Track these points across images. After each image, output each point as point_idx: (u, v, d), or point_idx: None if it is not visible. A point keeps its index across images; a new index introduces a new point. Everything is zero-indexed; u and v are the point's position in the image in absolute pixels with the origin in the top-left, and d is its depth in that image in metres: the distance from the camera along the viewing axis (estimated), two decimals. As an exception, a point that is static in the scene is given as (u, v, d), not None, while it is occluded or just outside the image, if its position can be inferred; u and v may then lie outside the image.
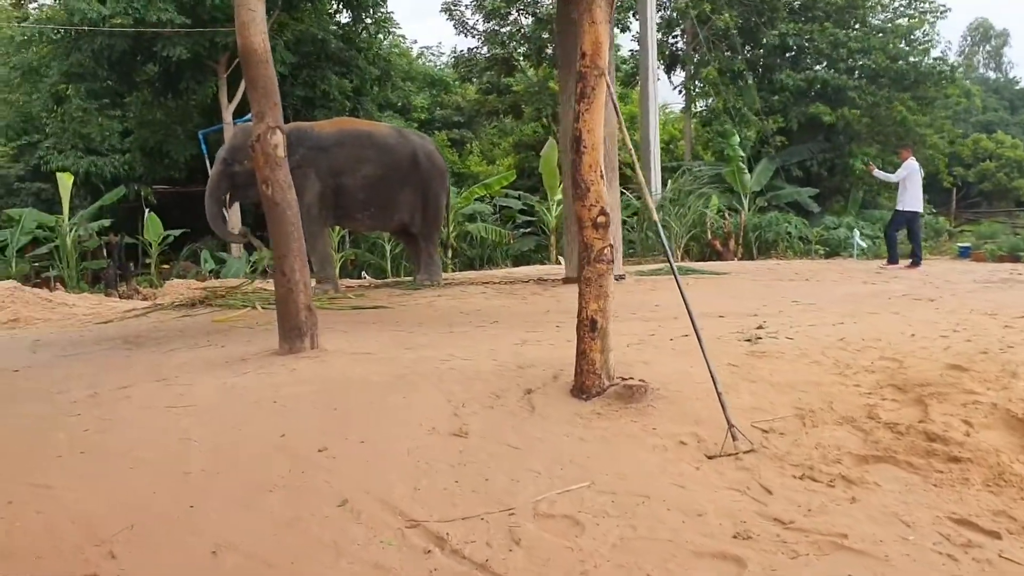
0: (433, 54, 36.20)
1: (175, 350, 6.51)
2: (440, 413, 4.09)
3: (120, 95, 23.51)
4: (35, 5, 24.72)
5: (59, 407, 4.72)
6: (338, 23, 24.71)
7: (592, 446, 3.64)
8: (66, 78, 22.51)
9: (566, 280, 10.36)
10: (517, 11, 26.42)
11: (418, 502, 3.20)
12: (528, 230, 22.34)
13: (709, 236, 18.87)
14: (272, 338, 6.01)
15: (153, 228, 21.14)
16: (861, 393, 4.11)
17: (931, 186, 18.27)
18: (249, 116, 12.30)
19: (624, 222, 15.74)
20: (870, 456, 3.45)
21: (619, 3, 21.53)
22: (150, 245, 21.35)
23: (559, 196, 18.96)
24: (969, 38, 52.97)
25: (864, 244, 17.93)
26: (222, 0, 19.93)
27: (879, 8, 26.61)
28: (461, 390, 4.40)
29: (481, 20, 27.09)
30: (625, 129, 4.79)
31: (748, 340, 5.20)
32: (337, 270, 13.27)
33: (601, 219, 4.18)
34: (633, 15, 21.82)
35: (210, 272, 20.17)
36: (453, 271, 17.61)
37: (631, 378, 4.26)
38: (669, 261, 4.39)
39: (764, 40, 25.15)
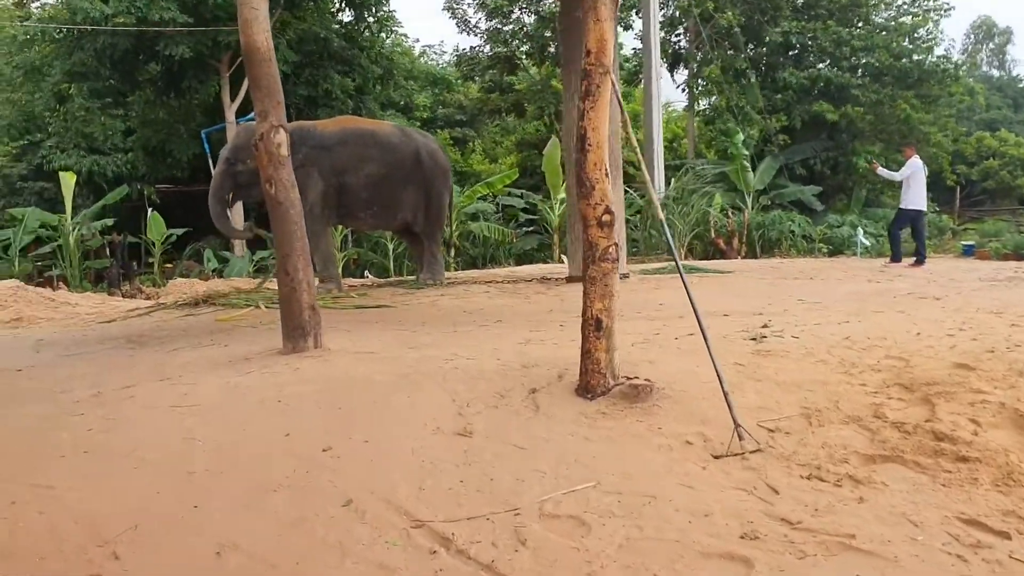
0: (435, 53, 36.22)
1: (178, 349, 6.50)
2: (444, 413, 4.08)
3: (123, 94, 23.52)
4: (38, 4, 24.77)
5: (62, 407, 4.71)
6: (340, 22, 24.70)
7: (597, 446, 3.62)
8: (69, 77, 22.53)
9: (569, 279, 10.34)
10: (519, 9, 26.41)
11: (423, 502, 3.18)
12: (531, 229, 22.33)
13: (713, 235, 18.84)
14: (275, 337, 6.00)
15: (156, 227, 21.14)
16: (867, 392, 4.09)
17: (934, 184, 18.25)
18: (251, 115, 12.28)
19: (627, 220, 15.73)
20: (877, 456, 3.42)
21: (622, 1, 21.49)
22: (153, 244, 21.35)
23: (562, 195, 18.93)
24: (972, 36, 52.89)
25: (867, 242, 17.89)
26: (224, -1, 19.95)
27: (882, 6, 26.55)
28: (465, 389, 4.38)
29: (483, 18, 27.11)
30: (630, 127, 4.76)
31: (753, 339, 5.18)
32: (340, 269, 13.24)
33: (606, 218, 4.16)
34: (636, 13, 21.81)
35: (213, 271, 20.18)
36: (456, 270, 17.60)
37: (636, 377, 4.24)
38: (675, 260, 4.37)
39: (767, 38, 25.11)
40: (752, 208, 20.39)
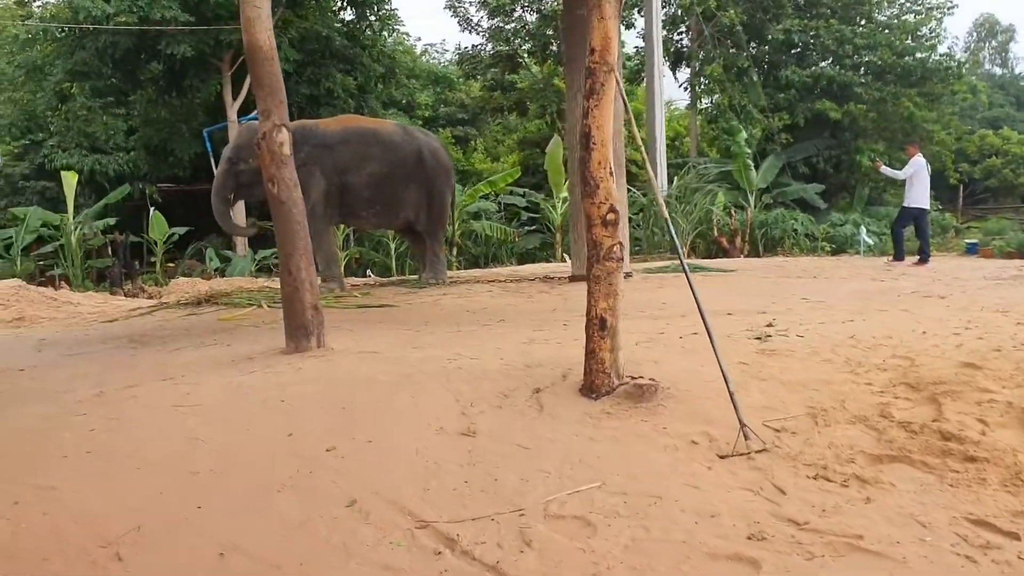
0: (437, 51, 36.22)
1: (181, 349, 6.49)
2: (448, 412, 4.06)
3: (124, 93, 23.53)
4: (39, 3, 24.74)
5: (65, 407, 4.70)
6: (342, 20, 24.70)
7: (602, 446, 3.60)
8: (70, 76, 22.54)
9: (572, 278, 10.32)
10: (521, 7, 26.39)
11: (427, 502, 3.16)
12: (533, 228, 22.30)
13: (715, 233, 18.80)
14: (278, 337, 5.98)
15: (158, 226, 21.15)
16: (873, 392, 4.06)
17: (937, 182, 18.19)
18: (253, 114, 12.24)
19: (630, 219, 15.70)
20: (884, 456, 3.40)
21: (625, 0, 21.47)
22: (155, 243, 21.36)
23: (564, 193, 18.91)
24: (975, 34, 52.79)
25: (871, 241, 17.86)
26: (226, -2, 19.96)
27: (885, 4, 26.50)
28: (469, 389, 4.36)
29: (485, 17, 27.12)
30: (635, 125, 4.74)
31: (758, 338, 5.16)
32: (342, 268, 13.23)
33: (610, 216, 4.14)
34: (638, 12, 21.78)
35: (215, 270, 20.18)
36: (458, 269, 17.58)
37: (641, 377, 4.22)
38: (680, 260, 4.35)
39: (769, 36, 25.07)
40: (755, 207, 20.36)
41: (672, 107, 32.17)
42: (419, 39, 52.84)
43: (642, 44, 23.28)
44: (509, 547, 2.82)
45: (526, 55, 27.64)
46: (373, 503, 3.18)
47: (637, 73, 25.22)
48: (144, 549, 2.97)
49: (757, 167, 21.51)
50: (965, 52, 46.88)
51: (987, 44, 53.02)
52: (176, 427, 4.13)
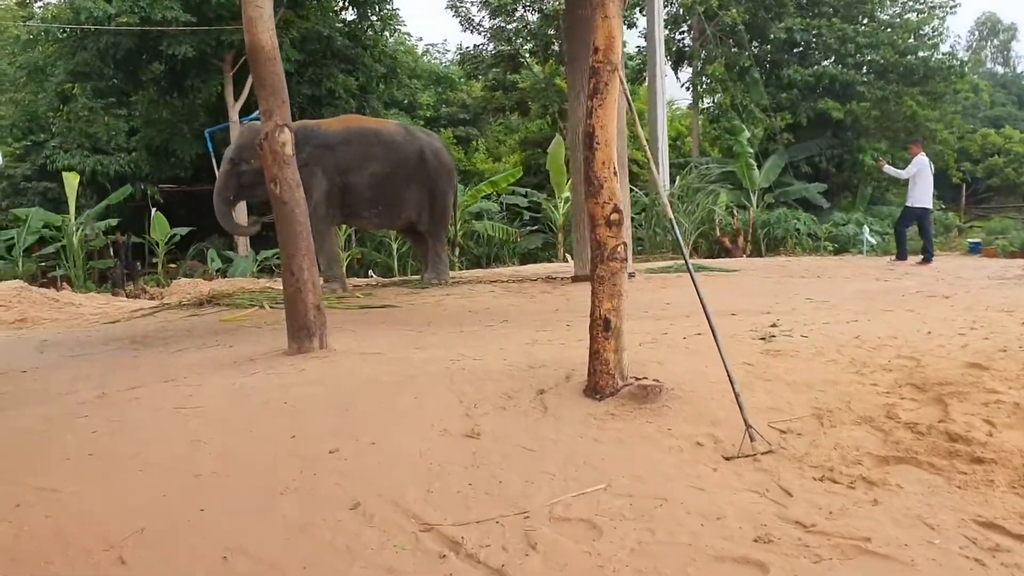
0: (439, 51, 36.22)
1: (183, 350, 6.47)
2: (452, 414, 4.04)
3: (126, 94, 23.54)
4: (41, 4, 24.73)
5: (67, 408, 4.68)
6: (344, 20, 24.70)
7: (607, 447, 3.58)
8: (72, 77, 22.55)
9: (575, 278, 10.30)
10: (523, 7, 26.37)
11: (431, 505, 3.14)
12: (535, 228, 22.28)
13: (718, 233, 18.77)
14: (280, 337, 5.97)
15: (159, 227, 21.15)
16: (879, 392, 4.04)
17: (940, 182, 18.14)
18: (255, 114, 12.22)
19: (632, 219, 15.67)
20: (891, 457, 3.38)
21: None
22: (157, 244, 21.36)
23: (567, 193, 18.90)
24: (977, 32, 52.74)
25: (874, 240, 17.82)
26: (227, -2, 19.96)
27: (887, 3, 26.46)
28: (472, 390, 4.34)
29: (487, 16, 27.09)
30: (640, 125, 4.72)
31: (762, 338, 5.14)
32: (344, 269, 13.21)
33: (614, 216, 4.11)
34: (640, 11, 21.76)
35: (217, 271, 20.17)
36: (460, 269, 17.57)
37: (645, 378, 4.20)
38: (686, 261, 4.33)
39: (771, 35, 25.03)
40: (757, 206, 20.33)
41: (673, 107, 32.16)
42: (420, 39, 52.62)
43: (644, 44, 23.24)
44: (514, 550, 2.79)
45: (528, 55, 27.62)
46: (377, 505, 3.16)
47: (639, 73, 25.19)
48: (147, 552, 2.95)
49: (759, 167, 21.48)
50: (967, 51, 46.85)
51: (989, 43, 52.97)
52: (178, 429, 4.11)
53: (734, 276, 10.48)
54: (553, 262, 18.41)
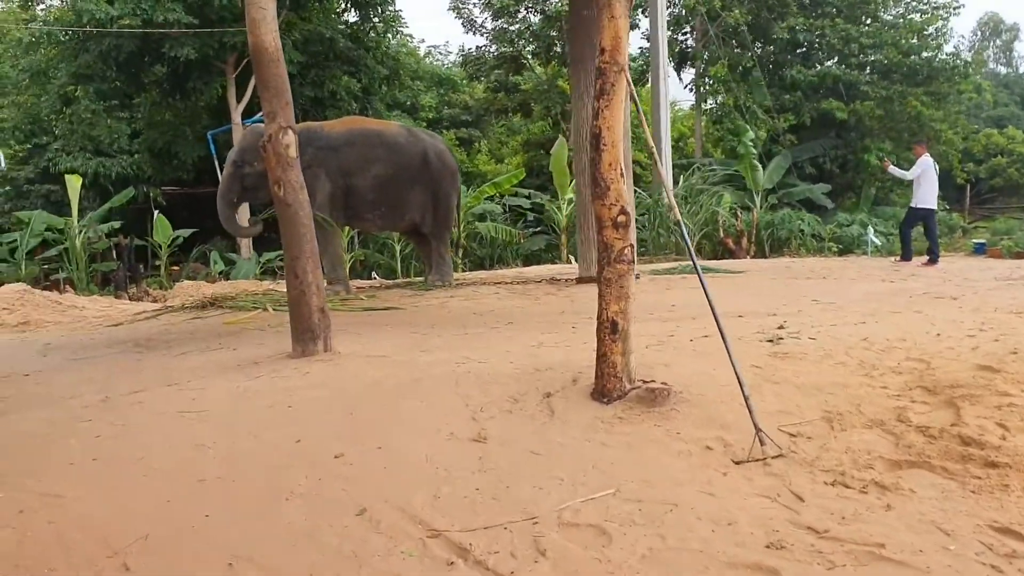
0: (441, 53, 36.23)
1: (186, 353, 6.45)
2: (458, 418, 4.01)
3: (128, 96, 23.54)
4: (43, 7, 24.74)
5: (70, 412, 4.66)
6: (346, 22, 24.68)
7: (615, 452, 3.54)
8: (74, 79, 22.54)
9: (579, 280, 10.28)
10: (525, 9, 26.34)
11: (439, 511, 3.11)
12: (538, 229, 22.24)
13: (721, 234, 18.73)
14: (284, 340, 5.94)
15: (162, 229, 21.14)
16: (889, 395, 4.00)
17: (944, 182, 18.10)
18: (258, 116, 12.14)
19: (635, 220, 15.61)
20: (903, 461, 3.34)
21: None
22: (159, 247, 21.34)
23: (570, 195, 18.86)
24: (979, 33, 52.68)
25: (878, 241, 17.76)
26: (230, 0, 19.91)
27: (891, 3, 26.41)
28: (478, 394, 4.31)
29: (489, 18, 27.07)
30: (647, 125, 4.69)
31: (770, 340, 5.10)
32: (347, 271, 13.18)
33: (621, 218, 4.08)
34: (642, 12, 21.72)
35: (220, 273, 20.16)
36: (463, 271, 17.53)
37: (652, 381, 4.16)
38: (694, 264, 4.28)
39: (774, 36, 24.99)
40: (761, 207, 20.28)
41: (676, 108, 32.13)
42: (423, 41, 52.81)
43: (646, 45, 23.21)
44: (523, 557, 2.75)
45: (530, 56, 27.59)
46: (383, 511, 3.12)
47: (642, 74, 25.16)
48: (151, 558, 2.92)
49: (763, 167, 21.43)
50: (969, 51, 46.81)
51: (991, 43, 52.93)
52: (183, 433, 4.08)
53: (739, 277, 10.44)
54: (556, 263, 18.37)
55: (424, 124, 26.20)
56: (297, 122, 5.99)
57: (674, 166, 21.09)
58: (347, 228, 15.84)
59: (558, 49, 25.37)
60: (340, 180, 10.22)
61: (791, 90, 24.44)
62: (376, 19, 24.65)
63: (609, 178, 4.08)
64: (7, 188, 25.36)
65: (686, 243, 4.50)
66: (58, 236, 20.50)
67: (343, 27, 24.13)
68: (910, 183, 12.78)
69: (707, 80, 26.47)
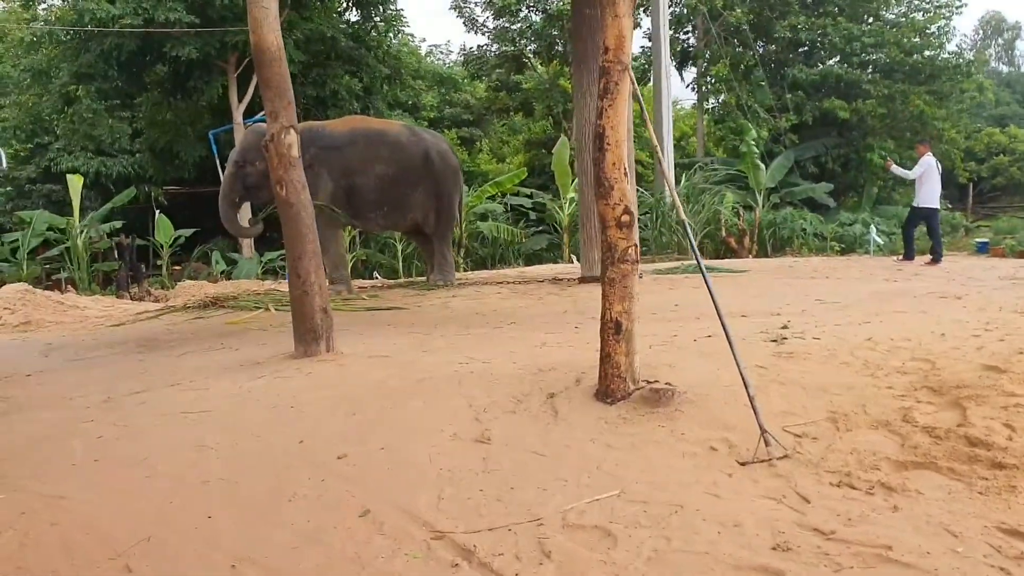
0: (442, 52, 36.20)
1: (189, 353, 6.44)
2: (461, 418, 3.99)
3: (130, 96, 23.52)
4: (44, 6, 24.73)
5: (73, 413, 4.65)
6: (347, 21, 24.65)
7: (620, 453, 3.52)
8: (76, 79, 22.52)
9: (582, 280, 10.25)
10: (527, 8, 26.31)
11: (443, 512, 3.09)
12: (540, 228, 22.22)
13: (724, 233, 18.70)
14: (286, 340, 5.93)
15: (164, 229, 21.13)
16: (895, 396, 3.97)
17: (946, 181, 18.06)
18: (260, 115, 12.12)
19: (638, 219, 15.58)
20: (909, 462, 3.31)
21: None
22: (161, 246, 21.33)
23: (571, 194, 18.84)
24: (981, 31, 52.64)
25: (880, 240, 17.73)
26: (231, -1, 19.92)
27: (893, 2, 26.37)
28: (482, 394, 4.30)
29: (491, 17, 27.04)
30: (650, 125, 4.66)
31: (774, 340, 5.08)
32: (349, 270, 13.16)
33: (625, 218, 4.06)
34: (644, 11, 21.70)
35: (221, 273, 20.15)
36: (465, 270, 17.51)
37: (656, 381, 4.15)
38: (699, 264, 4.27)
39: (776, 35, 24.95)
40: (763, 206, 20.25)
41: (678, 107, 32.11)
42: (424, 40, 52.83)
43: (648, 44, 23.19)
44: (528, 559, 2.74)
45: (532, 55, 27.56)
46: (387, 512, 3.11)
47: (643, 73, 25.12)
48: (154, 561, 2.91)
49: (765, 167, 21.39)
50: (971, 50, 46.74)
51: (993, 42, 52.88)
52: (185, 434, 4.07)
53: (742, 277, 10.41)
54: (558, 263, 18.35)
55: (425, 123, 26.18)
56: (299, 122, 5.98)
57: (676, 165, 21.07)
58: (349, 228, 15.86)
59: (560, 48, 25.34)
60: (342, 180, 10.21)
61: (793, 89, 24.39)
62: (378, 18, 24.64)
63: (613, 178, 4.06)
64: (9, 188, 25.36)
65: (690, 242, 4.48)
66: (60, 236, 20.50)
67: (345, 26, 24.11)
68: (912, 182, 12.74)
69: (709, 79, 26.43)
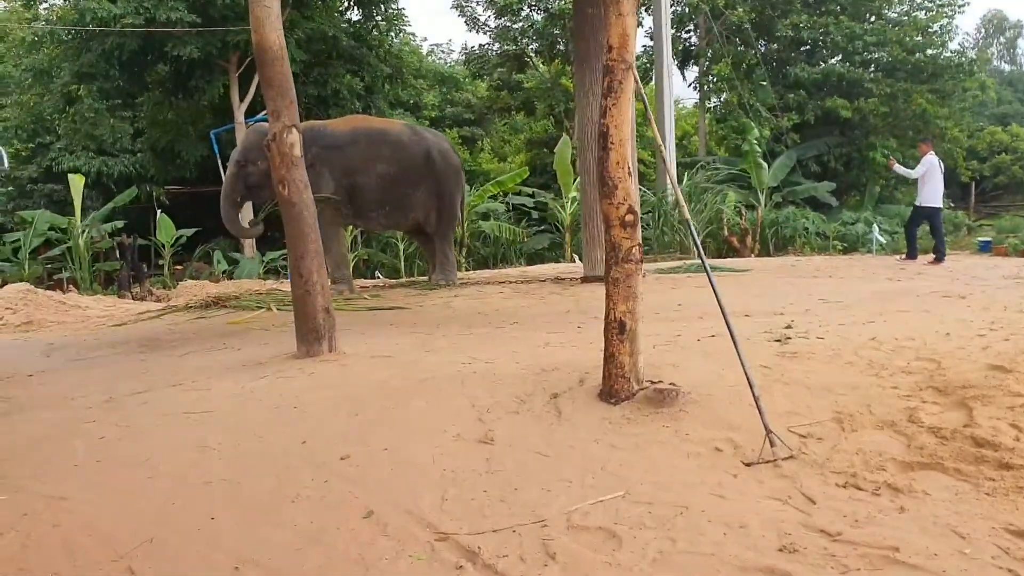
0: (444, 51, 36.19)
1: (190, 353, 6.42)
2: (464, 419, 3.98)
3: (131, 95, 23.50)
4: (46, 6, 24.73)
5: (74, 413, 4.64)
6: (349, 21, 24.64)
7: (624, 453, 3.50)
8: (77, 79, 22.51)
9: (584, 279, 10.23)
10: (529, 7, 26.31)
11: (446, 513, 3.08)
12: (541, 228, 22.20)
13: (726, 232, 18.67)
14: (288, 340, 5.91)
15: (165, 229, 21.12)
16: (900, 396, 3.96)
17: (949, 180, 18.02)
18: (261, 115, 12.10)
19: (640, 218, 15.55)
20: (915, 463, 3.30)
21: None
22: (163, 246, 21.32)
23: (573, 193, 18.82)
24: (983, 30, 52.57)
25: (883, 239, 17.70)
26: (232, -2, 19.91)
27: (895, 1, 26.33)
28: (485, 394, 4.28)
29: (492, 16, 27.05)
30: (654, 124, 4.64)
31: (778, 340, 5.06)
32: (351, 270, 13.14)
33: (629, 217, 4.05)
34: (646, 10, 21.68)
35: (223, 273, 20.14)
36: (467, 270, 17.50)
37: (660, 381, 4.13)
38: (702, 261, 4.25)
39: (778, 34, 24.92)
40: (765, 205, 20.22)
41: (680, 106, 32.07)
42: (425, 39, 52.87)
43: (650, 43, 23.16)
44: (532, 560, 2.72)
45: (533, 54, 27.55)
46: (390, 514, 3.09)
47: (646, 72, 25.10)
48: (157, 562, 2.89)
49: (767, 166, 21.35)
50: (973, 48, 46.68)
51: (995, 40, 52.81)
52: (187, 435, 4.06)
53: (744, 276, 10.38)
54: (560, 262, 18.33)
55: (427, 123, 26.18)
56: (300, 121, 5.96)
57: (678, 165, 21.05)
58: (351, 227, 15.85)
59: (561, 47, 25.34)
60: (344, 179, 10.18)
61: (795, 88, 24.36)
62: (379, 17, 24.62)
63: (616, 177, 4.04)
64: (10, 187, 25.35)
65: (694, 242, 4.46)
66: (61, 236, 20.49)
67: (346, 26, 24.09)
68: (915, 181, 12.71)
69: (711, 78, 26.41)
